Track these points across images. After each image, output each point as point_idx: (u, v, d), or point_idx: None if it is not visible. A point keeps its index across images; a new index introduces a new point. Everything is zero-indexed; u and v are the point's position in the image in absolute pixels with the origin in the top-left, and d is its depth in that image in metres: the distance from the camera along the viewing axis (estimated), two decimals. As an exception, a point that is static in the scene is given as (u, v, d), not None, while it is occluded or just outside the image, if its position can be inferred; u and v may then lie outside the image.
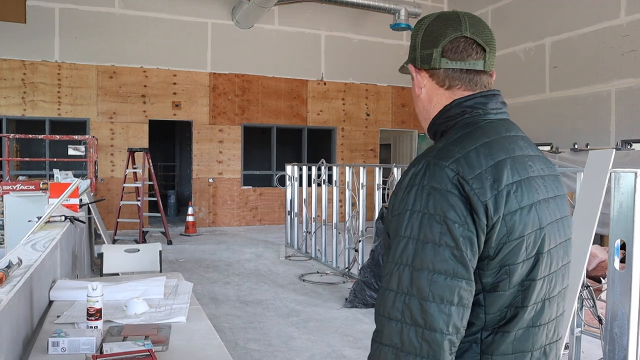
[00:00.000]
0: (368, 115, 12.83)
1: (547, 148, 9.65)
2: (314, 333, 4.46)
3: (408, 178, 1.03)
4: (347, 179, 6.96)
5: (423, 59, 1.19)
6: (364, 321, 4.83)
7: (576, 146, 8.28)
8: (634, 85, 9.04)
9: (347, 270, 6.75)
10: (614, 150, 3.56)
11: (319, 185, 7.91)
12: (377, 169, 6.25)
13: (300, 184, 8.57)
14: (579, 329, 3.64)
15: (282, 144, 12.20)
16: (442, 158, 1.01)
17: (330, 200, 8.03)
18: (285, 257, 7.89)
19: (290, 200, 8.78)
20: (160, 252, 3.48)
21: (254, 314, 4.97)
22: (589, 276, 5.79)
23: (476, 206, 0.97)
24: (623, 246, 2.47)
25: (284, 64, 11.84)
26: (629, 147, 8.11)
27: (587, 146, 8.44)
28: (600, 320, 3.57)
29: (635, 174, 1.90)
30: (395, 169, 5.83)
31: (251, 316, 4.88)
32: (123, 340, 1.78)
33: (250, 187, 11.72)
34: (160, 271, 3.42)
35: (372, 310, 5.14)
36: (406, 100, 13.23)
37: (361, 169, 6.69)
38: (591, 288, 3.75)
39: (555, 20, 10.34)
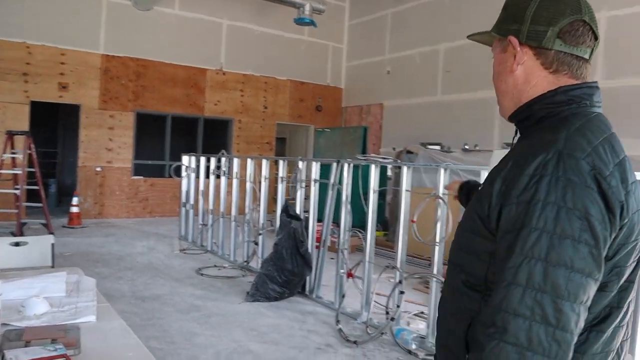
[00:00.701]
0: (266, 108, 12.70)
1: (438, 147, 10.17)
2: (217, 328, 4.29)
3: (534, 166, 0.96)
4: (248, 171, 6.82)
5: (532, 35, 1.10)
6: (268, 315, 4.74)
7: (466, 146, 8.79)
8: (516, 93, 9.75)
9: (246, 263, 6.61)
10: (515, 150, 3.79)
11: (217, 177, 7.67)
12: (281, 162, 6.17)
13: (198, 176, 8.26)
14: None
15: (176, 134, 11.68)
16: (575, 150, 0.96)
17: (229, 193, 7.84)
18: (179, 251, 7.57)
19: (186, 192, 8.44)
20: (52, 245, 3.13)
21: (152, 310, 4.68)
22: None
23: (613, 205, 0.94)
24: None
25: (182, 50, 11.34)
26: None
27: (475, 147, 8.99)
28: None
29: None
30: (301, 163, 5.79)
31: (149, 312, 4.60)
32: (26, 346, 1.54)
33: (142, 177, 11.11)
34: (53, 266, 3.09)
35: (276, 304, 5.06)
36: (304, 94, 13.28)
37: (264, 161, 6.58)
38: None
39: (451, 27, 10.87)
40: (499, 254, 0.99)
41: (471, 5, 10.49)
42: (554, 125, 1.05)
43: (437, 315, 1.29)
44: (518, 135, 1.19)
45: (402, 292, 4.24)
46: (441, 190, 4.15)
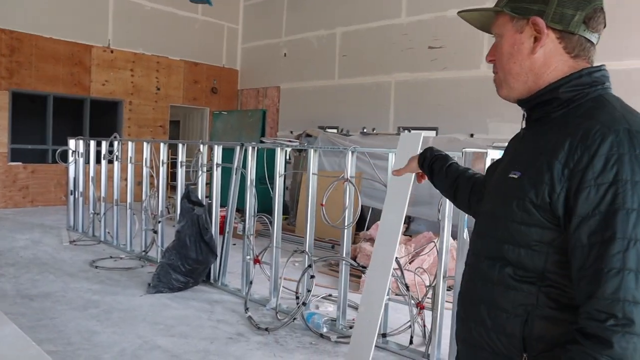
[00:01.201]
0: (158, 89, 12.11)
1: (335, 130, 10.30)
2: (119, 325, 4.02)
3: (607, 147, 0.94)
4: (144, 156, 6.45)
5: (558, 17, 1.08)
6: (173, 306, 4.53)
7: (365, 130, 8.96)
8: (410, 78, 10.12)
9: (144, 253, 6.28)
10: (422, 133, 3.88)
11: (110, 162, 7.18)
12: (180, 145, 5.89)
13: (87, 161, 7.67)
14: (387, 297, 3.91)
15: (60, 116, 10.77)
16: None
17: (124, 179, 7.38)
18: (69, 242, 7.01)
19: (74, 179, 7.82)
20: None
21: (43, 309, 4.28)
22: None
23: None
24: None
25: (64, 24, 10.42)
26: (407, 132, 9.06)
27: (373, 130, 9.21)
28: (407, 288, 3.90)
29: (486, 154, 2.10)
30: (202, 146, 5.56)
31: (39, 312, 4.20)
32: None
33: (20, 163, 10.15)
34: None
35: (180, 294, 4.85)
36: (198, 76, 12.83)
37: (162, 145, 6.25)
38: (399, 259, 4.07)
39: (346, 12, 11.00)
40: (577, 241, 0.96)
41: (367, -10, 10.67)
42: (592, 106, 1.05)
43: (459, 313, 1.25)
44: (527, 118, 1.19)
45: (312, 277, 4.23)
46: (349, 173, 4.17)
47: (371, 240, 6.36)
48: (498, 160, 1.33)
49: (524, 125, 1.21)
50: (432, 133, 9.75)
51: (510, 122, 8.73)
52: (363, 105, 10.79)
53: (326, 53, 11.51)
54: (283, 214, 7.22)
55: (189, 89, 12.69)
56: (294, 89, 12.27)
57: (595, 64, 1.13)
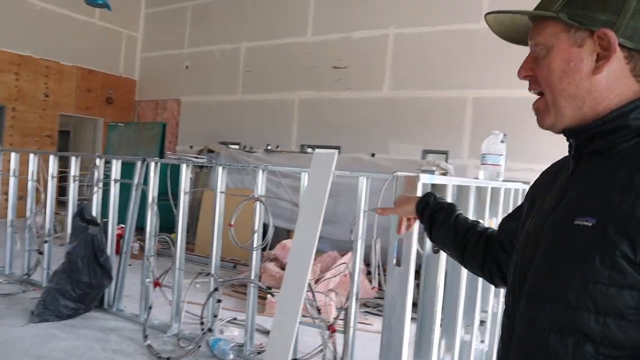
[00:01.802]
0: (47, 96, 11.21)
1: (237, 146, 10.11)
2: (-5, 361, 3.55)
3: None
4: (30, 168, 5.86)
5: (629, 32, 0.88)
6: (61, 337, 4.09)
7: (269, 147, 8.86)
8: (314, 97, 10.20)
9: (27, 276, 5.67)
10: (336, 152, 3.85)
11: (-13, 174, 6.45)
12: (74, 158, 5.42)
13: (-40, 172, 6.84)
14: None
15: None
16: None
17: (4, 193, 6.67)
18: None
19: (-57, 192, 6.95)
20: None
21: None
22: (283, 268, 6.22)
23: None
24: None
25: None
26: (312, 150, 9.10)
27: (277, 147, 9.13)
28: (319, 311, 3.81)
29: (418, 177, 2.07)
30: (98, 160, 5.15)
31: None
32: None
33: None
34: None
35: (70, 322, 4.40)
36: (93, 84, 12.06)
37: (51, 157, 5.71)
38: (310, 282, 3.97)
39: (252, 27, 10.91)
40: None
41: (273, 7, 10.67)
42: None
43: None
44: (577, 151, 0.99)
45: (219, 301, 4.02)
46: (259, 191, 4.04)
47: (275, 259, 6.23)
48: (532, 201, 1.12)
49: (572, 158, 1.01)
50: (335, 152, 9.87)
51: (410, 142, 9.06)
52: (266, 121, 10.70)
53: (230, 67, 11.32)
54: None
55: (82, 98, 11.88)
56: (195, 103, 11.92)
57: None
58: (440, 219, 1.44)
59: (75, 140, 12.98)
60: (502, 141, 3.50)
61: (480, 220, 1.44)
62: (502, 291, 3.77)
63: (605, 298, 0.82)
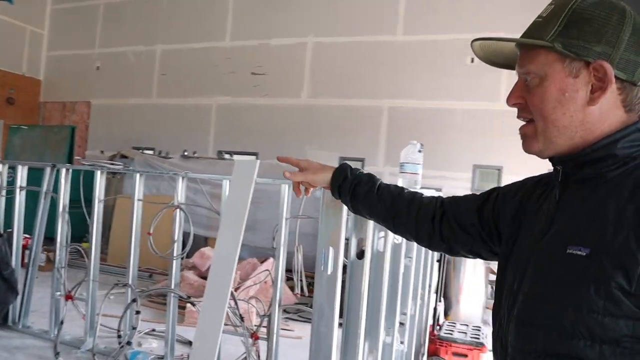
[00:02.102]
0: (-63, 95, 10.32)
1: (152, 152, 9.82)
2: None
3: None
4: None
5: (623, 64, 0.90)
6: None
7: (186, 153, 8.68)
8: (232, 102, 10.12)
9: None
10: (258, 160, 3.85)
11: None
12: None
13: None
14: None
15: None
16: None
17: None
18: None
19: None
20: None
21: None
22: (202, 276, 6.11)
23: None
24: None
25: None
26: (229, 157, 9.02)
27: (194, 154, 8.95)
28: (242, 319, 3.79)
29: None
30: (1, 166, 4.81)
31: None
32: None
33: None
34: None
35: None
36: (-9, 84, 11.25)
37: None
38: (232, 290, 3.93)
39: (168, 29, 10.64)
40: None
41: (190, 10, 10.48)
42: None
43: None
44: (563, 178, 1.00)
45: (137, 312, 3.88)
46: (179, 199, 3.96)
47: (194, 268, 6.12)
48: (519, 210, 1.13)
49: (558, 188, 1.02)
50: (257, 160, 9.84)
51: (327, 150, 9.22)
52: (182, 126, 10.47)
53: (144, 70, 10.97)
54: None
55: (-22, 98, 11.04)
56: (107, 106, 11.44)
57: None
58: (361, 192, 1.45)
59: (-30, 143, 12.01)
60: (420, 151, 3.65)
61: (405, 187, 1.46)
62: (419, 293, 3.95)
63: (601, 327, 0.83)
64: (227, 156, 8.85)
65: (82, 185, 4.49)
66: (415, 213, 1.38)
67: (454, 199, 1.38)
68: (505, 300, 1.03)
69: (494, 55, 1.05)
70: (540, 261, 0.96)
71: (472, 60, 8.12)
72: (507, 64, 1.05)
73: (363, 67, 8.99)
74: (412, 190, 1.48)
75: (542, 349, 0.90)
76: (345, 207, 2.03)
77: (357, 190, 1.46)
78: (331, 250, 1.97)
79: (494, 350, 1.08)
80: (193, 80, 10.43)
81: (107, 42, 11.41)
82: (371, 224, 2.53)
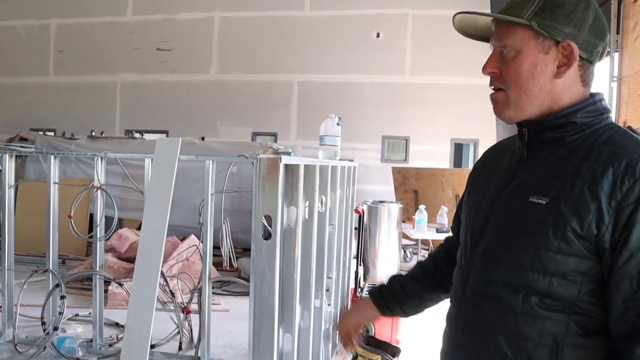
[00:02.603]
0: None
1: (52, 134, 9.34)
2: None
3: None
4: None
5: (585, 45, 1.06)
6: None
7: (93, 133, 8.33)
8: (137, 80, 9.81)
9: None
10: (180, 138, 3.85)
11: None
12: None
13: None
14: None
15: None
16: None
17: None
18: None
19: None
20: None
21: None
22: (120, 258, 6.01)
23: None
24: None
25: None
26: (140, 136, 8.76)
27: (102, 134, 8.62)
28: (173, 295, 3.85)
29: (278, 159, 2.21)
30: None
31: None
32: None
33: None
34: None
35: None
36: None
37: None
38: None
39: (63, 2, 10.03)
40: (625, 273, 0.98)
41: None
42: (613, 134, 1.07)
43: (457, 340, 1.20)
44: (529, 139, 1.14)
45: (63, 297, 3.81)
46: (100, 180, 3.90)
47: (112, 250, 5.99)
48: (481, 172, 1.30)
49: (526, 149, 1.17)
50: (163, 136, 9.64)
51: (240, 125, 9.23)
52: (85, 106, 10.03)
53: (38, 46, 10.32)
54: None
55: None
56: (-2, 85, 10.65)
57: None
58: (402, 299, 1.51)
59: None
60: (338, 124, 3.86)
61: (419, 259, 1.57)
62: (343, 261, 4.19)
63: (554, 263, 1.01)
64: (137, 135, 8.59)
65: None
66: (445, 265, 1.45)
67: (453, 227, 1.50)
68: (469, 240, 1.20)
69: (470, 27, 1.17)
70: (504, 208, 1.13)
71: (378, 35, 8.44)
72: (480, 36, 1.18)
73: (272, 43, 9.04)
74: (422, 260, 1.57)
75: (501, 281, 1.09)
76: (280, 178, 2.18)
77: (398, 297, 1.51)
78: (270, 217, 2.11)
79: (455, 280, 1.25)
80: (94, 57, 9.96)
81: (-5, 15, 10.56)
82: (301, 194, 2.69)
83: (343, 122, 8.61)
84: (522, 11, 1.07)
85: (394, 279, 1.56)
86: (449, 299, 1.31)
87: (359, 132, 8.52)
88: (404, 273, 1.59)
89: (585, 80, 1.11)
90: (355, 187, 4.88)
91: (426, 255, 1.56)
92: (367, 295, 1.57)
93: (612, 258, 0.99)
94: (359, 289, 4.45)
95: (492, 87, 1.15)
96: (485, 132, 6.82)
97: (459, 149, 9.14)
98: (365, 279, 5.66)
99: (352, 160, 6.42)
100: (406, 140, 8.50)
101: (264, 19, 9.06)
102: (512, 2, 1.12)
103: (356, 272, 4.75)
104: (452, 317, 1.24)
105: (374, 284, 4.75)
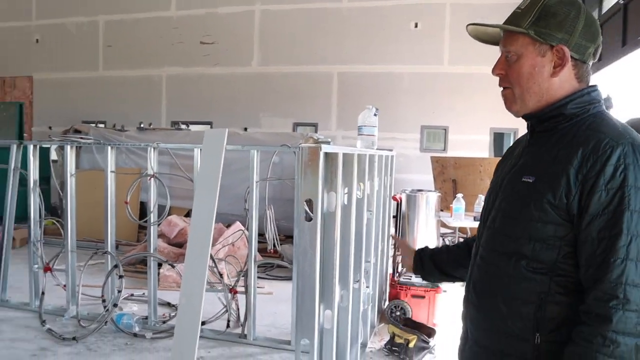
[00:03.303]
0: None
1: (103, 126, 9.78)
2: None
3: (615, 157, 1.14)
4: None
5: (577, 48, 1.24)
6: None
7: (142, 125, 8.71)
8: (182, 72, 10.14)
9: None
10: (226, 129, 4.08)
11: None
12: None
13: None
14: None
15: None
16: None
17: None
18: None
19: None
20: None
21: None
22: (170, 243, 6.34)
23: None
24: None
25: None
26: (186, 127, 9.11)
27: (150, 125, 8.99)
28: (221, 276, 4.10)
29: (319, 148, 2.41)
30: (-36, 146, 4.84)
31: None
32: None
33: None
34: None
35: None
36: None
37: None
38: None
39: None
40: (587, 235, 1.15)
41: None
42: (595, 121, 1.24)
43: (470, 299, 1.38)
44: (531, 130, 1.34)
45: (121, 277, 4.12)
46: (153, 169, 4.17)
47: (162, 236, 6.32)
48: (502, 161, 1.50)
49: (528, 136, 1.38)
50: (207, 127, 9.97)
51: (281, 116, 9.46)
52: (132, 99, 10.44)
53: (88, 42, 10.77)
54: (53, 217, 6.59)
55: None
56: (51, 80, 11.18)
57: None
58: (443, 252, 1.76)
59: None
60: (375, 114, 4.01)
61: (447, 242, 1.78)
62: (381, 247, 4.36)
63: (536, 230, 1.22)
64: (183, 126, 8.93)
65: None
66: None
67: None
68: (483, 216, 1.43)
69: (482, 34, 1.36)
70: (506, 187, 1.34)
71: (416, 25, 8.49)
72: (491, 41, 1.37)
73: (312, 34, 9.20)
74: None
75: (500, 249, 1.30)
76: (321, 165, 2.36)
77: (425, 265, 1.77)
78: (311, 201, 2.30)
79: (473, 251, 1.46)
80: (140, 52, 10.35)
81: (44, 13, 11.08)
82: (339, 181, 2.87)
83: (382, 113, 8.78)
84: (522, 21, 1.26)
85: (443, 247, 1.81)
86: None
87: (398, 122, 8.62)
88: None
89: (580, 77, 1.28)
90: (394, 176, 5.02)
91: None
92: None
93: (579, 223, 1.17)
94: (397, 274, 4.60)
95: (501, 86, 1.34)
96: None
97: (498, 138, 9.12)
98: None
99: (391, 150, 6.54)
100: (445, 129, 8.55)
101: (303, 11, 9.22)
102: (515, 12, 1.30)
103: (394, 258, 4.90)
104: (467, 280, 1.45)
105: (410, 275, 4.89)
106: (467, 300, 1.42)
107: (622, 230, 1.12)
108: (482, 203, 1.49)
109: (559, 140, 1.26)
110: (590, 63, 1.30)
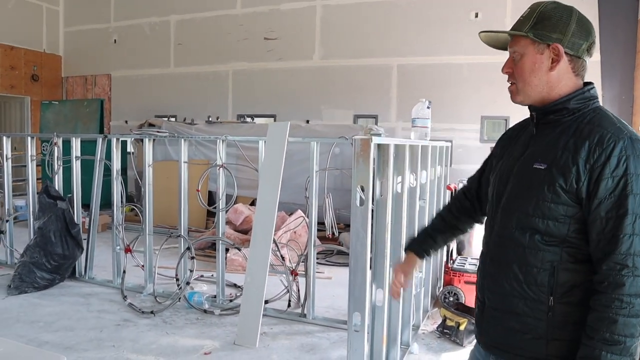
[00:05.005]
0: (-33, 76, 10.86)
1: (174, 119, 10.35)
2: (-7, 327, 3.89)
3: (618, 150, 1.34)
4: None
5: (571, 45, 1.43)
6: (44, 304, 4.45)
7: (210, 118, 9.20)
8: (247, 68, 10.54)
9: (-13, 256, 5.86)
10: (289, 123, 4.38)
11: None
12: (29, 139, 5.62)
13: None
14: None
15: None
16: (636, 135, 1.37)
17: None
18: None
19: None
20: None
21: None
22: (236, 230, 6.74)
23: None
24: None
25: None
26: (251, 120, 9.54)
27: (217, 119, 9.48)
28: (283, 259, 4.40)
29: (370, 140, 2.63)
30: (56, 139, 5.39)
31: None
32: None
33: None
34: None
35: (47, 292, 4.75)
36: (16, 62, 11.73)
37: (4, 138, 5.86)
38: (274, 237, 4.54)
39: (180, 0, 11.01)
40: (597, 215, 1.35)
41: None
42: (596, 116, 1.44)
43: (487, 271, 1.57)
44: (537, 120, 1.52)
45: (193, 257, 4.51)
46: (222, 160, 4.52)
47: (229, 223, 6.73)
48: (505, 145, 1.67)
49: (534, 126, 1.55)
50: (271, 120, 10.35)
51: (342, 108, 9.69)
52: (200, 94, 10.94)
53: (160, 41, 11.37)
54: (131, 205, 7.09)
55: (5, 76, 11.54)
56: (127, 77, 11.91)
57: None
58: (432, 245, 1.92)
59: (2, 119, 12.61)
60: (428, 107, 4.18)
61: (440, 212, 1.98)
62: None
63: (548, 210, 1.41)
64: (248, 120, 9.34)
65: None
66: (463, 212, 1.91)
67: (471, 180, 1.95)
68: (495, 198, 1.61)
69: (493, 41, 1.59)
70: (518, 173, 1.52)
71: (477, 15, 8.47)
72: (502, 47, 1.59)
73: (371, 28, 9.34)
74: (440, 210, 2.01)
75: (515, 225, 1.49)
76: (372, 155, 2.59)
77: (427, 249, 1.93)
78: (363, 188, 2.54)
79: (485, 229, 1.66)
80: (208, 48, 10.84)
81: (121, 15, 11.80)
82: (391, 169, 3.08)
83: (441, 104, 8.85)
84: (524, 26, 1.48)
85: (423, 232, 1.97)
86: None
87: (457, 113, 8.65)
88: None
89: (577, 71, 1.48)
90: (449, 166, 5.15)
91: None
92: (408, 250, 1.96)
93: (588, 205, 1.37)
94: (451, 262, 4.75)
95: (509, 82, 1.55)
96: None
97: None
98: (460, 253, 5.92)
99: (450, 141, 6.63)
100: (506, 120, 8.48)
101: (363, 5, 9.39)
102: (519, 19, 1.51)
103: (448, 246, 5.04)
104: (483, 255, 1.64)
105: (466, 258, 5.02)
106: (483, 272, 1.62)
107: (627, 210, 1.32)
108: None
109: (563, 132, 1.45)
110: (587, 59, 1.48)
